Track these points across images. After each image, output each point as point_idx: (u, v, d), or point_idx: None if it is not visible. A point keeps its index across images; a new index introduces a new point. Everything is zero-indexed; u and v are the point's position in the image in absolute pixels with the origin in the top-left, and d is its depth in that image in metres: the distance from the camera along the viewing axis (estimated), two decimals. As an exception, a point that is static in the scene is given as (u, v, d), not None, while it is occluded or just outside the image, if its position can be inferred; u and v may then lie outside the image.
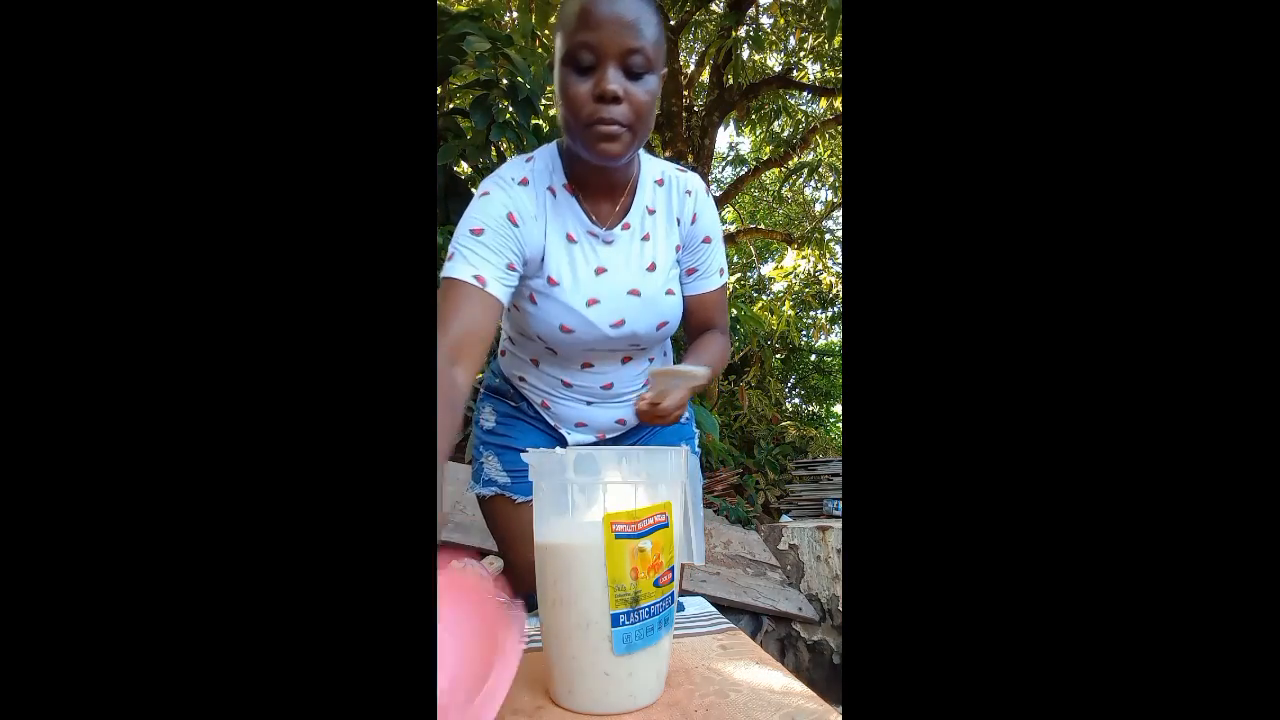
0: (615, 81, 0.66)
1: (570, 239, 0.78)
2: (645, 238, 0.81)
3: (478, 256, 0.71)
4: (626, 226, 0.80)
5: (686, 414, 0.99)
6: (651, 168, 0.83)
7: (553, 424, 0.91)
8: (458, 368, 0.65)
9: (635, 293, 0.79)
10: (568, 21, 0.67)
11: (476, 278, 0.69)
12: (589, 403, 0.87)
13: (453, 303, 0.68)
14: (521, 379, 0.90)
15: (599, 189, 0.79)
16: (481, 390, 0.98)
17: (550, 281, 0.77)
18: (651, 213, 0.82)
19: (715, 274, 0.86)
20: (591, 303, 0.78)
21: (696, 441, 1.01)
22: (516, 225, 0.74)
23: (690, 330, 0.89)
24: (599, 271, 0.78)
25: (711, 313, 0.87)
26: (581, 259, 0.78)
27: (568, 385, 0.86)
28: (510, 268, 0.73)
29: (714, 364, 0.81)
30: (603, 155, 0.70)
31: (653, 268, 0.81)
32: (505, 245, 0.72)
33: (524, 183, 0.77)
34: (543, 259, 0.77)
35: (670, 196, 0.82)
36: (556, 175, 0.79)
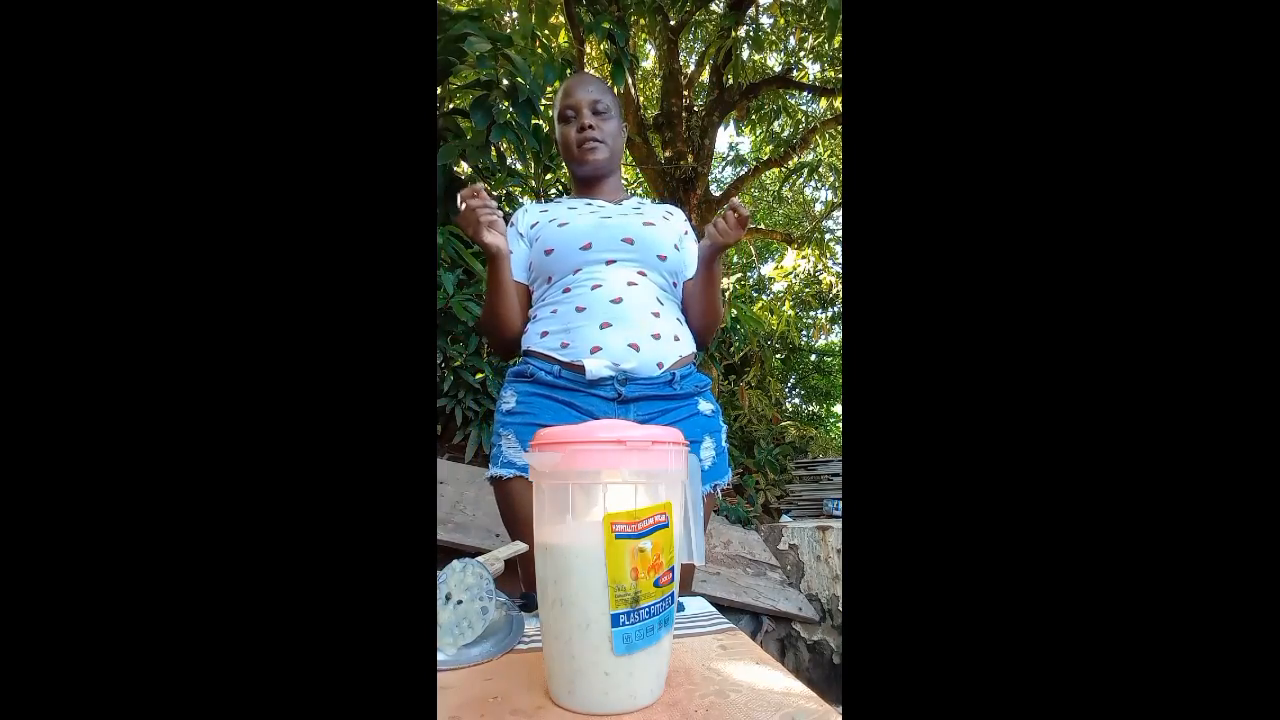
0: (589, 118, 1.08)
1: (571, 208, 1.08)
2: (636, 208, 1.11)
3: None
4: (619, 204, 1.12)
5: (713, 407, 1.04)
6: (632, 199, 1.18)
7: (572, 363, 0.97)
8: None
9: (623, 216, 1.06)
10: (556, 104, 1.11)
11: None
12: (602, 325, 0.96)
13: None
14: (544, 334, 1.00)
15: (596, 193, 1.13)
16: (507, 378, 1.04)
17: (550, 219, 1.05)
18: (641, 203, 1.15)
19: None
20: (581, 214, 1.05)
21: (724, 436, 1.05)
22: (513, 225, 1.10)
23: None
24: (592, 212, 1.07)
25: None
26: (579, 208, 1.08)
27: (581, 310, 0.98)
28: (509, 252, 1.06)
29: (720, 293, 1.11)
30: (588, 161, 1.08)
31: (639, 211, 1.08)
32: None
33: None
34: (542, 219, 1.06)
35: (653, 204, 1.17)
36: (563, 198, 1.19)
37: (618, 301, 0.97)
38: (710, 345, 3.93)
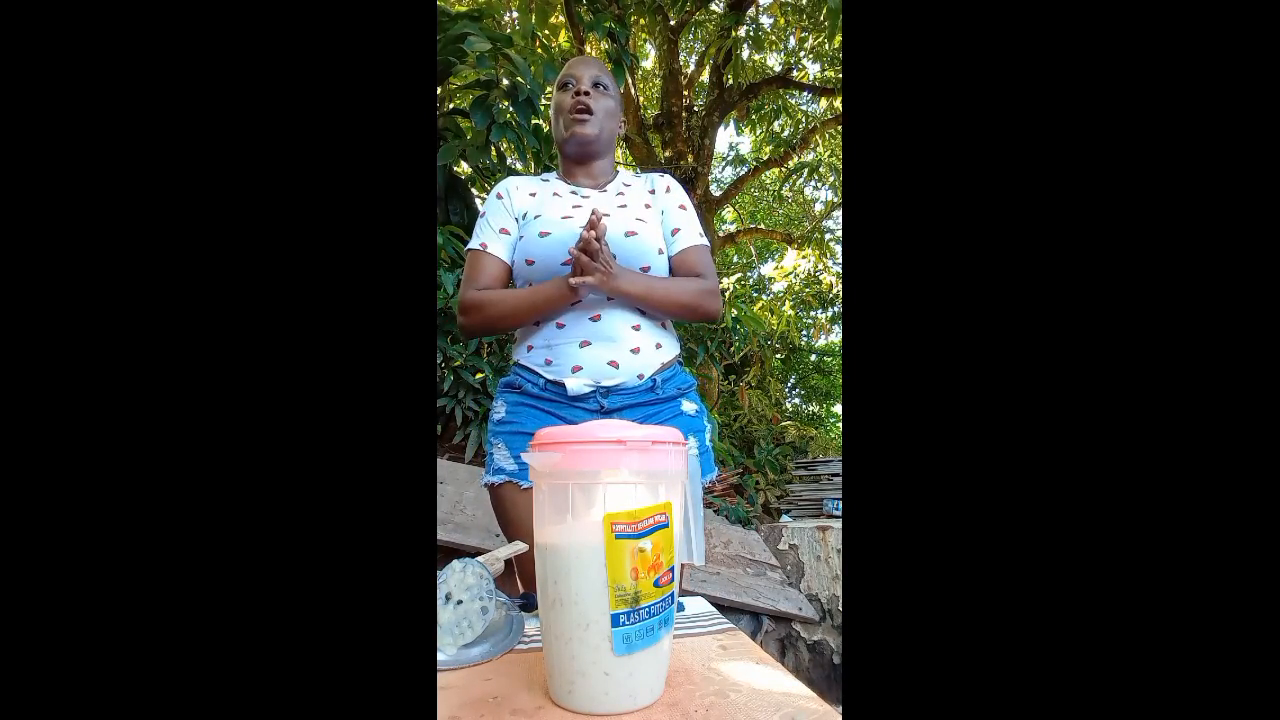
0: (587, 86, 1.07)
1: (555, 195, 1.09)
2: (620, 193, 1.10)
3: (481, 231, 1.06)
4: (603, 190, 1.11)
5: (696, 407, 1.05)
6: (625, 174, 1.16)
7: (554, 379, 0.99)
8: (492, 291, 1.01)
9: (605, 214, 1.03)
10: (559, 79, 1.11)
11: (481, 244, 1.04)
12: (581, 344, 0.98)
13: (470, 266, 1.04)
14: (530, 348, 1.02)
15: (582, 175, 1.13)
16: (498, 388, 1.06)
17: (534, 216, 1.05)
18: (627, 185, 1.13)
19: (696, 234, 1.09)
20: (565, 218, 1.04)
21: (708, 436, 1.05)
22: (502, 199, 1.08)
23: None
24: (575, 206, 1.06)
25: (695, 265, 1.07)
26: (563, 200, 1.08)
27: (561, 326, 0.99)
28: (503, 231, 1.05)
29: (666, 287, 1.00)
30: (578, 134, 1.07)
31: (624, 206, 1.06)
32: (496, 217, 1.06)
33: (519, 174, 1.12)
34: (529, 210, 1.06)
35: (643, 179, 1.15)
36: (551, 174, 1.16)
37: (596, 319, 0.98)
38: (711, 345, 3.96)
